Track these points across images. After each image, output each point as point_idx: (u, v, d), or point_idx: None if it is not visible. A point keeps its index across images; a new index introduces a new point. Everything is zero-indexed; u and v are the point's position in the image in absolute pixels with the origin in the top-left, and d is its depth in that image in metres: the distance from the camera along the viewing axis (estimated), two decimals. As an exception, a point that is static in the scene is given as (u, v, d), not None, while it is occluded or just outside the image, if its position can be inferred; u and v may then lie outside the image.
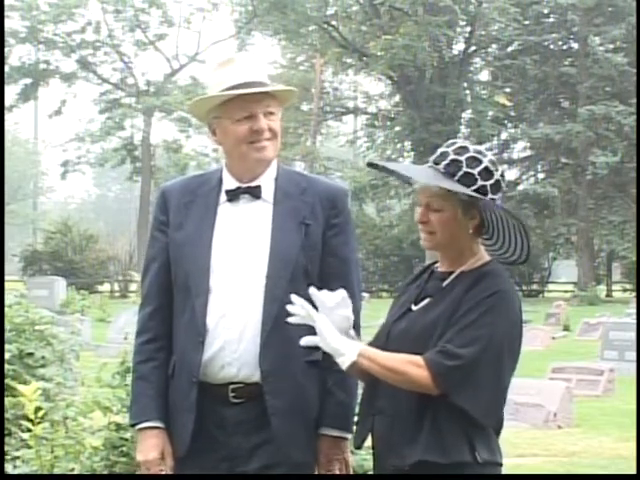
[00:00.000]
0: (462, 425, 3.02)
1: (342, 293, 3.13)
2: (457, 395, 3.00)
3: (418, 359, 3.02)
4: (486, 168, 3.11)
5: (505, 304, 3.06)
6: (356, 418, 3.33)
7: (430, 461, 3.02)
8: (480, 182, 3.09)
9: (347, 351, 3.05)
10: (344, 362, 3.05)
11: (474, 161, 3.10)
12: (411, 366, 3.01)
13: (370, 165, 3.37)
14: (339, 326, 3.09)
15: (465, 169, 3.09)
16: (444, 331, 3.05)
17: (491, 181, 3.11)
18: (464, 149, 3.13)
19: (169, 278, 3.42)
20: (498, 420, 3.12)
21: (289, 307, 3.11)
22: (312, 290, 3.11)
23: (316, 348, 3.35)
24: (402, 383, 3.04)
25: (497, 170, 3.13)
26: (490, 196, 3.11)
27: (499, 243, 3.22)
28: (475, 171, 3.09)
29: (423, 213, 3.15)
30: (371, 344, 3.21)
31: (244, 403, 3.32)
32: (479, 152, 3.13)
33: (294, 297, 3.12)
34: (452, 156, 3.11)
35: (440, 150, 3.16)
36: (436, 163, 3.13)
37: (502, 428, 3.15)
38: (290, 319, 3.12)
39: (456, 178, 3.09)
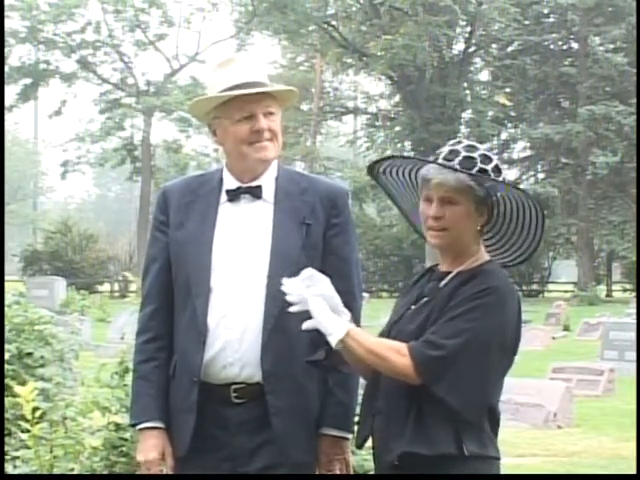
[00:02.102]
0: (448, 418, 3.03)
1: (308, 271, 3.11)
2: (437, 385, 3.01)
3: (402, 347, 3.04)
4: (496, 166, 3.17)
5: (496, 301, 3.06)
6: (357, 418, 3.33)
7: (416, 453, 3.03)
8: (493, 178, 3.15)
9: (335, 330, 3.06)
10: (332, 341, 3.06)
11: (486, 158, 3.16)
12: (394, 353, 3.03)
13: (371, 171, 3.35)
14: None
15: (480, 165, 3.14)
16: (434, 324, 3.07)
17: (500, 178, 3.16)
18: (474, 147, 3.18)
19: (170, 278, 3.42)
20: (492, 416, 3.11)
21: (287, 297, 3.09)
22: (285, 280, 3.11)
23: (317, 348, 3.36)
24: (384, 369, 3.06)
25: (502, 169, 3.21)
26: (500, 193, 3.17)
27: (503, 240, 3.24)
28: (489, 167, 3.14)
29: (438, 208, 3.14)
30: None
31: (246, 403, 3.32)
32: (488, 150, 3.21)
33: (285, 281, 3.10)
34: (465, 153, 3.15)
35: (448, 148, 3.17)
36: (448, 160, 3.15)
37: (499, 424, 3.14)
38: (290, 309, 3.10)
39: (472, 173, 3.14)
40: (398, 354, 3.03)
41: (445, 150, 3.17)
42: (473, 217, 3.14)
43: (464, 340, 3.01)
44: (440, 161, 3.15)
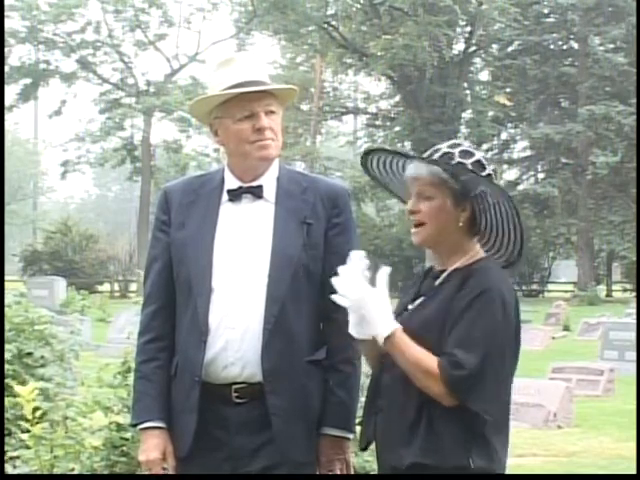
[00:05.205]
0: (460, 429, 3.01)
1: (356, 255, 3.07)
2: (472, 402, 2.99)
3: (434, 367, 2.99)
4: (478, 161, 3.13)
5: (494, 302, 3.03)
6: (360, 423, 3.32)
7: (423, 464, 3.02)
8: (471, 170, 3.11)
9: (383, 328, 3.02)
10: (379, 338, 3.03)
11: (467, 154, 3.13)
12: (426, 373, 2.99)
13: (369, 168, 3.33)
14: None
15: (458, 159, 3.11)
16: (440, 334, 3.04)
17: (483, 174, 3.12)
18: (457, 145, 3.16)
19: (171, 278, 3.42)
20: (499, 426, 3.11)
21: (342, 301, 3.03)
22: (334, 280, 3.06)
23: (317, 347, 3.35)
24: (416, 382, 3.03)
25: (489, 165, 3.15)
26: (481, 188, 3.11)
27: (492, 240, 3.20)
28: (468, 162, 3.11)
29: (414, 202, 3.14)
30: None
31: (247, 403, 3.31)
32: (472, 147, 3.18)
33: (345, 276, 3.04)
34: (445, 149, 3.14)
35: (434, 147, 3.18)
36: (429, 157, 3.15)
37: (508, 435, 3.14)
38: (342, 303, 3.06)
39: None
40: (430, 375, 2.99)
41: (430, 150, 3.18)
42: (451, 212, 3.11)
43: (483, 351, 2.99)
44: (416, 156, 3.16)
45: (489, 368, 2.99)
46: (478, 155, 3.14)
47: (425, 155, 3.17)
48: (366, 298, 3.02)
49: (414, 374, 3.02)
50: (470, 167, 3.10)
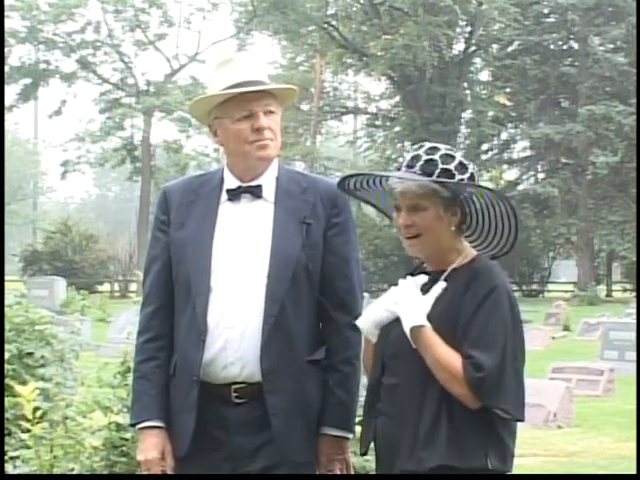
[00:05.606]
0: (479, 429, 3.03)
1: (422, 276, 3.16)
2: (495, 403, 3.01)
3: (460, 371, 3.01)
4: (460, 162, 3.14)
5: (502, 300, 3.07)
6: (360, 423, 3.31)
7: (451, 466, 3.02)
8: (458, 176, 3.13)
9: (408, 321, 3.06)
10: (405, 327, 3.07)
11: (448, 157, 3.14)
12: (453, 378, 3.02)
13: (346, 189, 3.36)
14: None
15: (442, 166, 3.12)
16: (450, 334, 3.05)
17: (467, 174, 3.14)
18: (435, 149, 3.16)
19: (170, 278, 3.42)
20: (510, 426, 3.13)
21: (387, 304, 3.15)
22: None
23: (316, 347, 3.35)
24: (440, 381, 3.04)
25: (470, 164, 3.17)
26: (468, 190, 3.15)
27: (482, 237, 3.23)
28: (451, 166, 3.12)
29: (407, 216, 3.15)
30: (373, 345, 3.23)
31: (246, 403, 3.31)
32: (450, 149, 3.18)
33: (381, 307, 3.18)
34: (425, 157, 3.14)
35: (411, 154, 3.17)
36: (410, 167, 3.14)
37: (515, 434, 3.16)
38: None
39: (435, 176, 3.11)
40: (454, 377, 3.01)
41: (408, 157, 3.17)
42: (444, 219, 3.14)
43: (500, 350, 3.02)
44: (402, 169, 3.15)
45: (508, 367, 3.02)
46: (458, 156, 3.16)
47: (404, 164, 3.15)
48: (407, 297, 3.09)
49: (439, 373, 3.03)
50: (454, 171, 3.12)
